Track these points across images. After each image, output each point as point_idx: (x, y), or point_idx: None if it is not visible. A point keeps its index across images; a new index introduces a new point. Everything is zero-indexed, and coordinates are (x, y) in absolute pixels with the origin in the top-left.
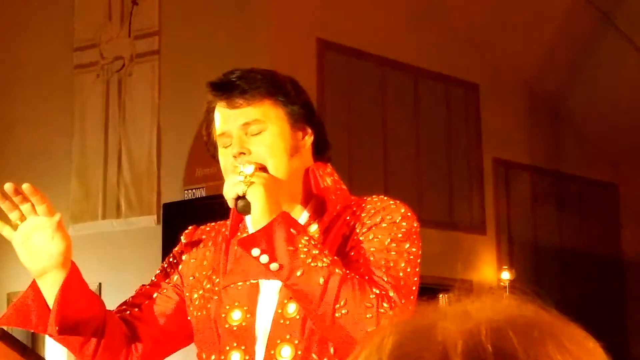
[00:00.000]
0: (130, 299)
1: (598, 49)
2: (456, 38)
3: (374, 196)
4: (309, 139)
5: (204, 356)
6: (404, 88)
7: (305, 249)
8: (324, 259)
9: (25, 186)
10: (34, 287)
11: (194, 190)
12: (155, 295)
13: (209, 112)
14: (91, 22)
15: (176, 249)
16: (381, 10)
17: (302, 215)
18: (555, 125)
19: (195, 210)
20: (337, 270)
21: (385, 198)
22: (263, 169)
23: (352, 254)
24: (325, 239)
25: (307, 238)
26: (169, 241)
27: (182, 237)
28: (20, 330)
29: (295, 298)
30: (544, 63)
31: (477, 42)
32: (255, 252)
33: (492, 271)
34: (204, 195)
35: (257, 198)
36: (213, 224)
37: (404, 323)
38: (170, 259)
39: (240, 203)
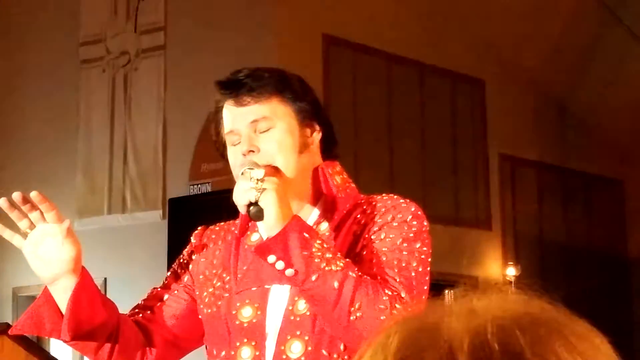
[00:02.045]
0: (142, 301)
1: (604, 45)
2: (462, 34)
3: (383, 194)
4: (317, 136)
5: (214, 352)
6: (409, 83)
7: (319, 253)
8: (338, 262)
9: (33, 194)
10: (46, 293)
11: (199, 186)
12: (166, 297)
13: (217, 112)
14: (97, 17)
15: (186, 249)
16: (387, 6)
17: (312, 214)
18: (561, 121)
19: (200, 206)
20: (351, 274)
21: (396, 197)
22: (272, 169)
23: (364, 253)
24: (336, 238)
25: (320, 242)
26: (175, 236)
27: (191, 238)
28: None
29: (310, 302)
30: (550, 59)
31: (483, 37)
32: (272, 258)
33: (498, 267)
34: (209, 191)
35: (270, 205)
36: (222, 223)
37: (409, 321)
38: (181, 260)
39: (253, 210)
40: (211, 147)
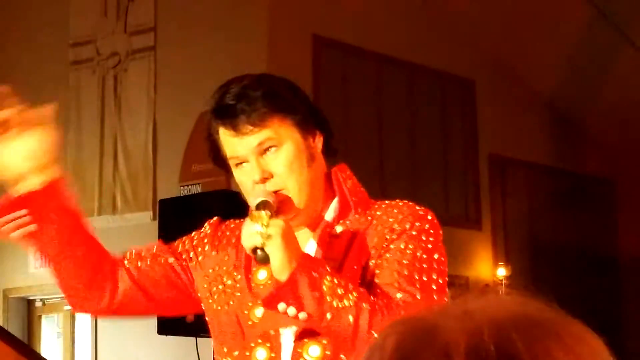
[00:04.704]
0: (138, 252)
1: (595, 46)
2: (452, 34)
3: (397, 200)
4: (319, 141)
5: (225, 350)
6: (399, 84)
7: (330, 292)
8: (350, 296)
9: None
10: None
11: (190, 187)
12: (160, 260)
13: (213, 133)
14: (87, 18)
15: (200, 232)
16: (377, 7)
17: (325, 218)
18: (552, 121)
19: (191, 207)
20: (364, 306)
21: (411, 203)
22: (284, 200)
23: (385, 264)
24: (352, 243)
25: (329, 278)
26: (165, 237)
27: (206, 225)
28: (17, 327)
29: (328, 337)
30: (541, 59)
31: (473, 38)
32: (282, 307)
33: (488, 267)
34: (200, 192)
35: (276, 251)
36: (237, 221)
37: (405, 322)
38: (194, 240)
39: (261, 255)
40: (201, 148)
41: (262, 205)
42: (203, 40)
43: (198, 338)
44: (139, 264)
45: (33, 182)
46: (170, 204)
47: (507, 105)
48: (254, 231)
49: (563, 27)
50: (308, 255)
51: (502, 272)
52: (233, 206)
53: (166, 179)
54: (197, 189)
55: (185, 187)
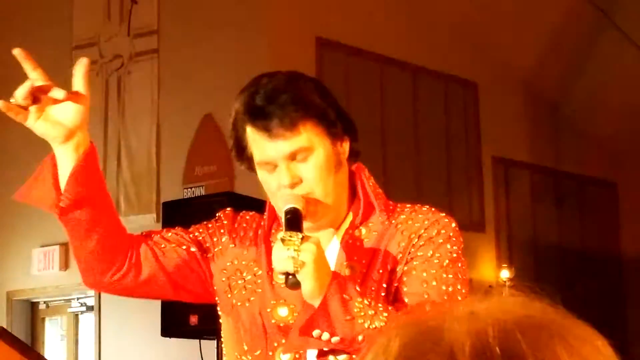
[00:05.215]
0: (162, 234)
1: (597, 47)
2: (455, 36)
3: (419, 205)
4: (346, 145)
5: (245, 348)
6: (402, 86)
7: (362, 313)
8: (381, 317)
9: (16, 51)
10: (52, 159)
11: (193, 189)
12: (184, 247)
13: (239, 130)
14: (90, 21)
15: (217, 223)
16: (380, 8)
17: (348, 219)
18: (555, 123)
19: (194, 209)
20: None
21: (434, 209)
22: (309, 202)
23: (413, 272)
24: (377, 246)
25: (360, 299)
26: None
27: (221, 216)
28: (20, 329)
29: (359, 358)
30: (544, 61)
31: (476, 40)
32: (316, 333)
33: (492, 269)
34: (203, 194)
35: (308, 279)
36: (252, 213)
37: (410, 324)
38: (209, 228)
39: (292, 280)
40: (205, 150)
41: (291, 213)
42: (206, 43)
43: (202, 340)
44: (164, 246)
45: (66, 149)
46: (174, 206)
47: (510, 107)
48: (286, 256)
49: (567, 30)
50: (338, 276)
51: (505, 273)
52: (237, 208)
53: (170, 181)
54: (200, 191)
55: (189, 189)
